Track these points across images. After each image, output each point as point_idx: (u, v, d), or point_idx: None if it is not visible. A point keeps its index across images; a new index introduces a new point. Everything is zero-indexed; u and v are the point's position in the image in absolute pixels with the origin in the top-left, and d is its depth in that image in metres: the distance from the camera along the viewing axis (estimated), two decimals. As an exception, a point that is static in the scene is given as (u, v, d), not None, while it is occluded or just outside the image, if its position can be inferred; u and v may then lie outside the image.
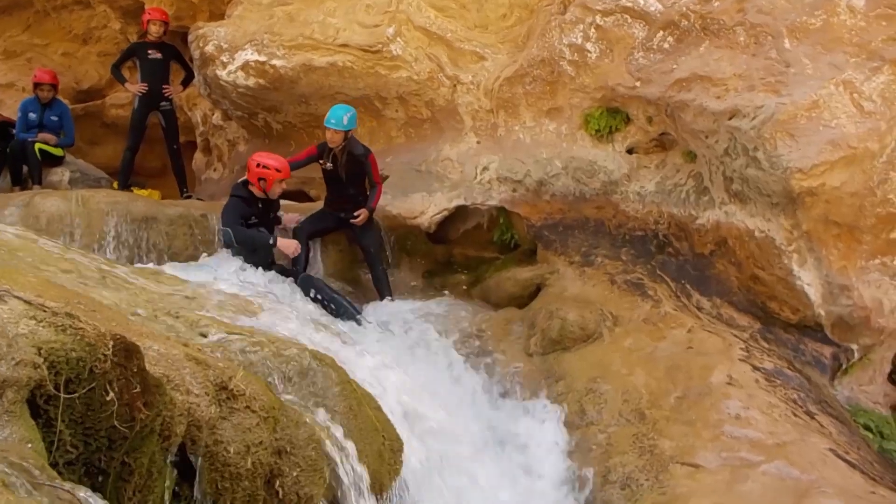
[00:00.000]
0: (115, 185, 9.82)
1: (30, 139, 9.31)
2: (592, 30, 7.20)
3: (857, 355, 6.40)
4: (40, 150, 9.32)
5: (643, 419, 5.59)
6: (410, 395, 4.82)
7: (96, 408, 2.30)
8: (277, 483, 3.16)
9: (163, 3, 10.36)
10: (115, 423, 2.35)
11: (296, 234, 7.50)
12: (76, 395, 2.25)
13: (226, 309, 4.76)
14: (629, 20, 7.04)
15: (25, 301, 2.40)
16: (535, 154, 7.69)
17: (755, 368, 5.89)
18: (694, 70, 6.58)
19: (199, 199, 10.00)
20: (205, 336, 3.90)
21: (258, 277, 6.66)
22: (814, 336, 6.36)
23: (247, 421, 3.07)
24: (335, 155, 7.55)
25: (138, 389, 2.45)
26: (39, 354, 2.19)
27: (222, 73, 8.77)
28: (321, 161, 7.66)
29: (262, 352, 3.83)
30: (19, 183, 9.37)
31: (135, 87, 9.57)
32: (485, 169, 7.90)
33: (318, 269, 7.83)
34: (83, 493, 2.01)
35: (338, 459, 3.52)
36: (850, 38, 6.06)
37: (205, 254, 7.15)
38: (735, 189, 6.42)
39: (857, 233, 6.05)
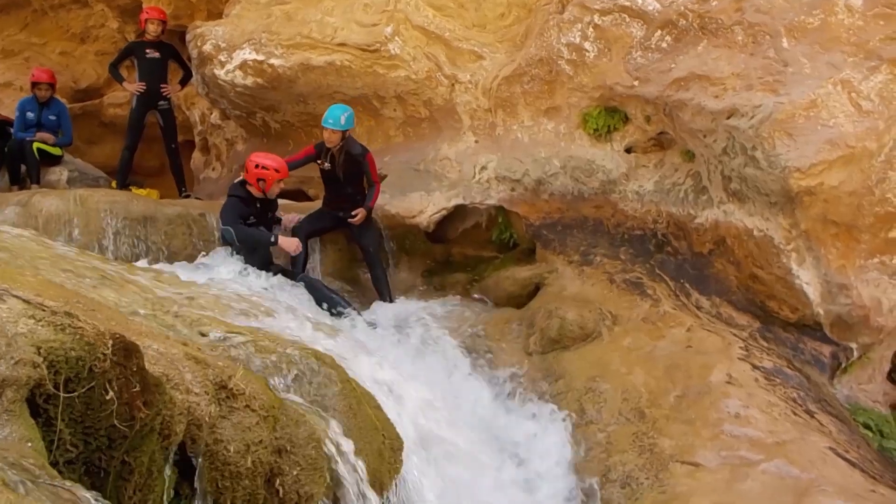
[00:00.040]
0: (114, 184, 9.81)
1: (28, 138, 9.30)
2: (590, 29, 7.20)
3: (856, 354, 6.41)
4: (38, 149, 9.31)
5: (643, 418, 5.59)
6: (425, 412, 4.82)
7: (96, 407, 2.30)
8: (277, 482, 3.15)
9: (161, 2, 10.36)
10: (115, 422, 2.35)
11: (294, 233, 7.50)
12: (76, 394, 2.24)
13: (229, 309, 4.75)
14: (627, 19, 7.04)
15: (24, 300, 2.39)
16: (533, 153, 7.69)
17: (754, 367, 5.89)
18: (692, 69, 6.58)
19: (197, 198, 9.99)
20: (204, 335, 3.89)
21: (263, 280, 6.67)
22: (813, 335, 6.36)
23: (247, 420, 3.07)
24: (333, 155, 7.54)
25: (138, 388, 2.44)
26: (39, 354, 2.18)
27: (220, 73, 8.77)
28: (319, 161, 7.65)
29: (262, 351, 3.83)
30: (17, 182, 9.36)
31: (133, 86, 9.56)
32: (483, 168, 7.89)
33: (316, 268, 7.82)
34: (83, 492, 2.01)
35: (337, 459, 3.51)
36: (848, 37, 6.06)
37: (203, 253, 7.13)
38: (733, 188, 6.43)
39: (856, 232, 6.06)
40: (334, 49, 8.25)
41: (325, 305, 6.69)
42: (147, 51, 9.50)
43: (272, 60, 8.47)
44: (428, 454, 4.51)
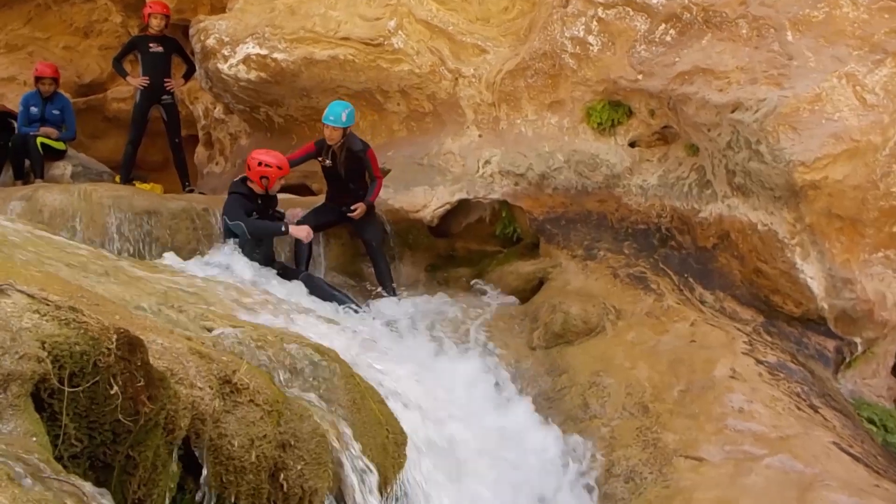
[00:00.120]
0: (118, 178, 9.82)
1: (31, 133, 9.30)
2: (594, 22, 7.18)
3: (860, 349, 6.40)
4: (42, 144, 9.31)
5: (646, 412, 5.58)
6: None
7: (100, 401, 2.30)
8: (282, 476, 3.15)
9: (164, -3, 10.34)
10: (120, 416, 2.35)
11: (298, 227, 7.51)
12: (80, 388, 2.24)
13: (239, 305, 4.76)
14: (631, 13, 7.02)
15: (29, 295, 2.39)
16: (537, 147, 7.68)
17: (758, 362, 5.89)
18: (696, 63, 6.57)
19: (201, 192, 9.99)
20: (209, 330, 3.90)
21: (273, 276, 6.72)
22: (817, 329, 6.36)
23: (251, 414, 3.07)
24: (334, 152, 7.52)
25: (142, 383, 2.44)
26: (43, 348, 2.19)
27: (224, 67, 8.76)
28: (320, 158, 7.64)
29: (266, 345, 3.83)
30: (21, 177, 9.36)
31: (136, 80, 9.56)
32: (487, 162, 7.88)
33: (320, 263, 7.83)
34: (88, 486, 2.01)
35: (342, 453, 3.52)
36: (852, 30, 6.05)
37: (214, 247, 7.14)
38: (738, 182, 6.42)
39: (860, 226, 6.05)
40: (338, 43, 8.24)
41: (330, 302, 6.72)
42: (150, 45, 9.50)
43: (275, 55, 8.46)
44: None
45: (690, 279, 6.81)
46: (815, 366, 6.21)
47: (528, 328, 6.77)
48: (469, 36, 8.02)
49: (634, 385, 5.82)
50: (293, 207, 7.78)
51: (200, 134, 11.95)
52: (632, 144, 7.42)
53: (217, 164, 11.53)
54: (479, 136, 8.09)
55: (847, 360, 6.43)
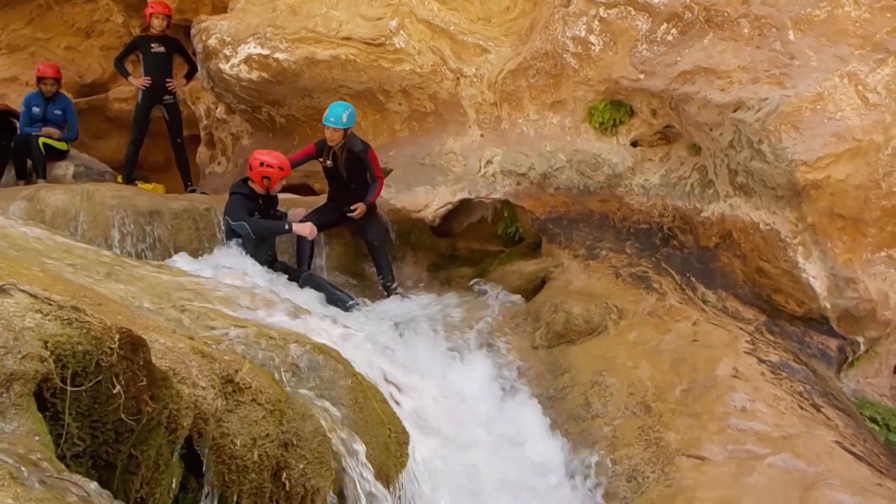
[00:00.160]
0: (120, 178, 9.84)
1: (33, 133, 9.31)
2: (596, 22, 7.18)
3: (862, 348, 6.40)
4: (44, 144, 9.32)
5: (649, 412, 5.58)
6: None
7: (103, 401, 2.30)
8: (284, 475, 3.16)
9: (165, -3, 10.35)
10: (122, 415, 2.35)
11: (301, 229, 7.52)
12: (83, 388, 2.24)
13: (242, 305, 4.76)
14: (633, 12, 7.02)
15: (31, 294, 2.40)
16: (538, 147, 7.68)
17: (761, 361, 5.88)
18: (698, 62, 6.57)
19: (203, 192, 9.99)
20: (211, 329, 3.90)
21: (276, 276, 6.75)
22: (819, 329, 6.36)
23: (253, 413, 3.07)
24: (335, 153, 7.52)
25: (145, 382, 2.45)
26: (46, 348, 2.19)
27: (225, 67, 8.77)
28: (321, 159, 7.64)
29: (268, 345, 3.83)
30: (23, 177, 9.37)
31: (138, 80, 9.57)
32: (489, 162, 7.88)
33: (322, 262, 7.84)
34: (91, 485, 2.01)
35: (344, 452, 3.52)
36: (854, 29, 6.04)
37: (218, 247, 7.15)
38: (740, 182, 6.41)
39: (863, 225, 6.04)
40: (339, 43, 8.25)
41: (332, 302, 6.74)
42: (152, 45, 9.51)
43: (277, 54, 8.47)
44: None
45: (692, 279, 6.81)
46: (817, 365, 6.21)
47: (530, 328, 6.77)
48: (470, 36, 8.02)
49: (637, 384, 5.82)
50: (295, 207, 7.79)
51: (202, 134, 11.96)
52: (634, 144, 7.42)
53: (219, 164, 11.55)
54: (481, 135, 8.09)
55: (850, 359, 6.43)
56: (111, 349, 2.32)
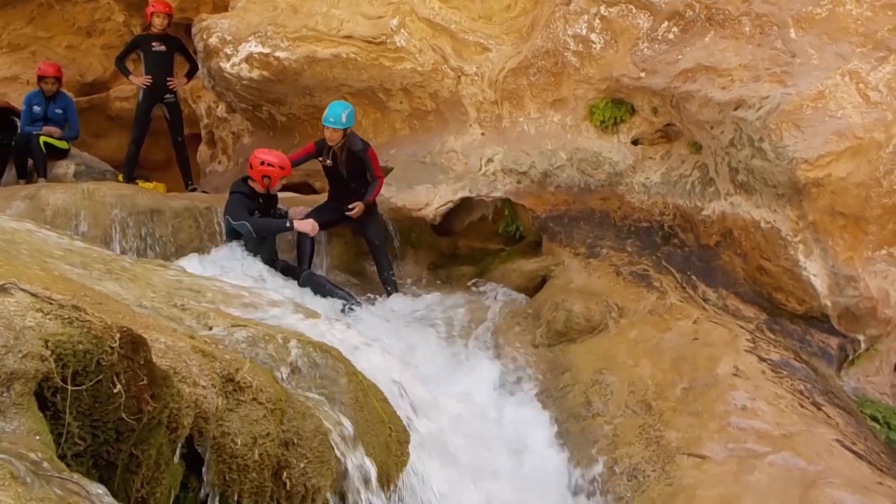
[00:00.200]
0: (120, 177, 9.84)
1: (34, 132, 9.31)
2: (597, 20, 7.17)
3: (863, 346, 6.40)
4: (45, 143, 9.33)
5: (649, 410, 5.58)
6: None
7: (104, 400, 2.31)
8: (285, 474, 3.16)
9: (166, -4, 10.35)
10: (123, 415, 2.35)
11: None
12: (83, 387, 2.25)
13: (242, 303, 4.76)
14: (634, 10, 7.02)
15: (32, 294, 2.40)
16: (539, 145, 7.67)
17: (761, 359, 5.88)
18: (699, 61, 6.56)
19: (203, 191, 10.01)
20: (211, 328, 3.90)
21: (279, 276, 6.75)
22: (820, 327, 6.35)
23: (254, 413, 3.07)
24: (335, 152, 7.52)
25: (145, 381, 2.45)
26: (46, 347, 2.19)
27: (226, 66, 8.77)
28: (321, 159, 7.64)
29: (269, 343, 3.83)
30: (24, 176, 9.38)
31: (139, 79, 9.57)
32: (489, 160, 7.88)
33: (323, 261, 7.84)
34: (92, 485, 2.01)
35: (344, 451, 3.52)
36: (855, 27, 6.03)
37: (219, 246, 7.15)
38: (741, 180, 6.41)
39: (864, 223, 6.04)
40: (340, 41, 8.25)
41: (333, 301, 6.74)
42: (153, 44, 9.51)
43: (278, 53, 8.47)
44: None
45: (693, 277, 6.81)
46: (818, 363, 6.20)
47: (531, 326, 6.77)
48: (471, 34, 8.01)
49: (637, 383, 5.82)
50: (296, 206, 7.79)
51: (203, 133, 11.97)
52: (634, 142, 7.42)
53: (220, 162, 11.55)
54: (482, 134, 8.09)
55: (850, 357, 6.43)
56: (112, 348, 2.32)
